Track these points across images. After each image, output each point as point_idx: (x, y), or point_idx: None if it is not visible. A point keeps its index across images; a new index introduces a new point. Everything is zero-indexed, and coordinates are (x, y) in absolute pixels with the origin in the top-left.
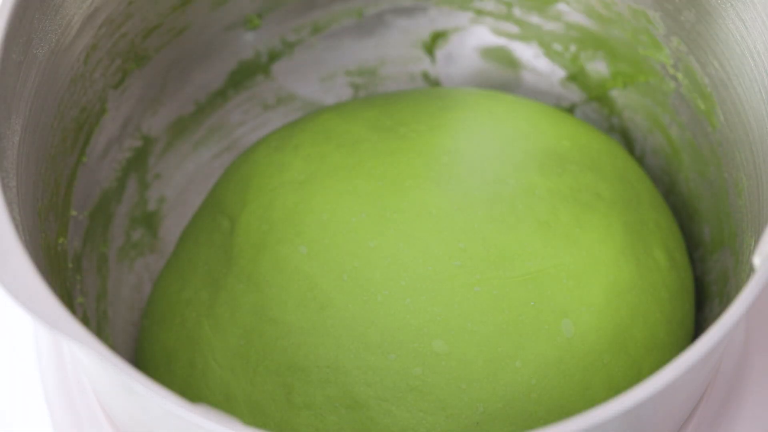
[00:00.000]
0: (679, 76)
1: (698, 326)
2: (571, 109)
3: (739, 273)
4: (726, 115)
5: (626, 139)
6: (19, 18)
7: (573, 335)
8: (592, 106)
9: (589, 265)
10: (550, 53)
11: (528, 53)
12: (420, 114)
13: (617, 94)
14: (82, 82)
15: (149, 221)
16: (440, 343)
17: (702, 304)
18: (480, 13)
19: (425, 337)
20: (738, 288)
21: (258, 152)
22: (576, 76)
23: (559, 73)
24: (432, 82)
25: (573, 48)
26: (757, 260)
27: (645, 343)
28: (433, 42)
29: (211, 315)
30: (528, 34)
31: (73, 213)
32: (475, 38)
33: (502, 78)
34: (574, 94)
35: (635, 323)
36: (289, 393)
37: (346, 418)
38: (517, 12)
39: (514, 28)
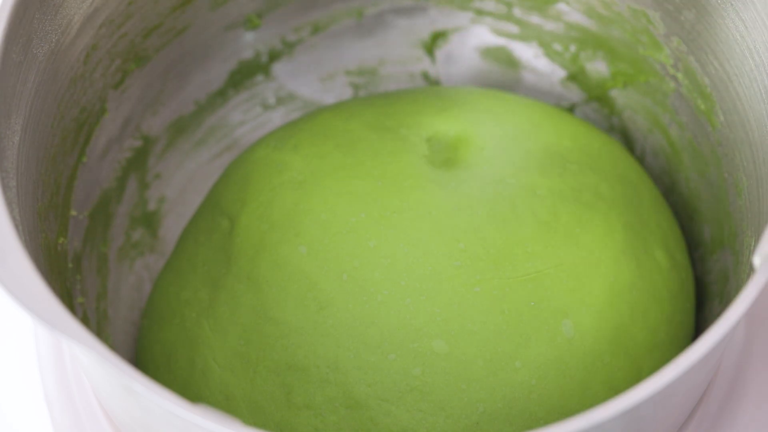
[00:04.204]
0: (679, 76)
1: (698, 326)
2: (571, 109)
3: (739, 273)
4: (726, 115)
5: (626, 139)
6: (19, 18)
7: (573, 335)
8: (592, 106)
9: (589, 265)
10: (550, 53)
11: (528, 53)
12: (420, 114)
13: (617, 94)
14: (82, 82)
15: (149, 221)
16: (440, 343)
17: (702, 304)
18: (480, 13)
19: (425, 337)
20: (738, 288)
21: (257, 152)
22: (576, 76)
23: (559, 73)
24: (432, 82)
25: (573, 48)
26: (757, 260)
27: (645, 343)
28: (433, 42)
29: (210, 315)
30: (528, 34)
31: (73, 213)
32: (475, 38)
33: (502, 78)
34: (574, 94)
35: (635, 323)
36: (288, 393)
37: (346, 418)
38: (517, 12)
39: (514, 28)
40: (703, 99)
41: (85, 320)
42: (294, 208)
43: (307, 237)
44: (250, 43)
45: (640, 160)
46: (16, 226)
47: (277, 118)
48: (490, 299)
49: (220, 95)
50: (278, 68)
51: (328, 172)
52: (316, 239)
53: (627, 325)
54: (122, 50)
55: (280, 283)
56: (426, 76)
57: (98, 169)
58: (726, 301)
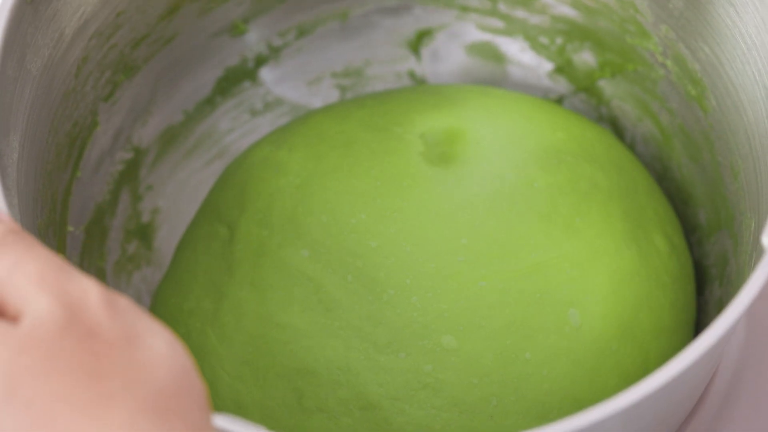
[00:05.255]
0: (669, 63)
1: (700, 310)
2: (559, 101)
3: (739, 255)
4: (718, 99)
5: (616, 128)
6: (13, 33)
7: (580, 324)
8: (580, 97)
9: (591, 254)
10: (536, 46)
11: (514, 47)
12: (412, 112)
13: (605, 84)
14: (74, 95)
15: (144, 233)
16: (449, 339)
17: (701, 287)
18: (465, 9)
19: (434, 333)
20: (739, 270)
21: (251, 158)
22: (563, 68)
23: (546, 65)
24: (418, 81)
25: (559, 40)
26: (765, 240)
27: (651, 328)
28: (419, 40)
29: (216, 324)
30: (513, 28)
31: (70, 228)
32: (460, 35)
33: (489, 73)
34: (562, 86)
35: (640, 309)
36: (300, 397)
37: (359, 420)
38: (502, 7)
39: (499, 24)
40: (693, 85)
41: None
42: (293, 211)
43: (309, 240)
44: (236, 49)
45: (631, 148)
46: None
47: (266, 123)
48: (496, 293)
49: (209, 103)
50: (265, 73)
51: (325, 173)
52: (318, 242)
53: (632, 312)
54: (112, 62)
55: (284, 288)
56: (412, 75)
57: (91, 183)
58: (726, 283)
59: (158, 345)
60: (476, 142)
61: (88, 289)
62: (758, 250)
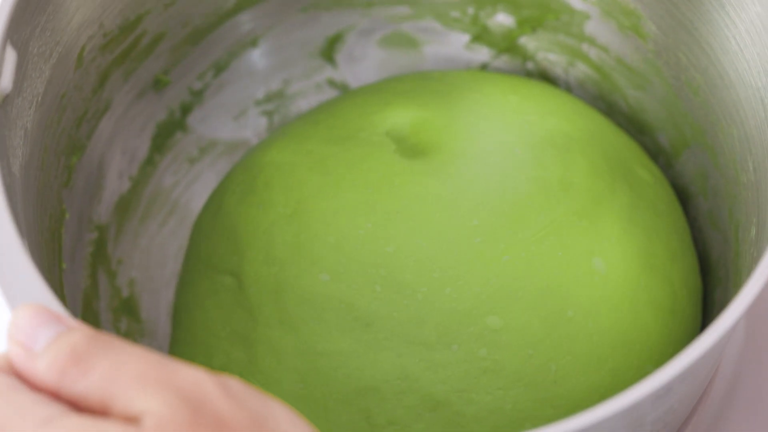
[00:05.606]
0: (593, 1)
1: (691, 226)
2: (483, 69)
3: (723, 165)
4: (658, 22)
5: (547, 80)
6: None
7: (607, 270)
8: (503, 59)
9: (591, 201)
10: (448, 22)
11: (426, 29)
12: (368, 114)
13: (527, 40)
14: (44, 189)
15: (128, 308)
16: (494, 319)
17: (685, 204)
18: (369, 5)
19: (478, 318)
20: (728, 179)
21: (227, 203)
22: (480, 36)
23: (462, 38)
24: (339, 87)
25: (471, 10)
26: None
27: (666, 256)
28: (331, 47)
29: (256, 371)
30: (421, 11)
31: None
32: (370, 31)
33: (407, 60)
34: (482, 53)
35: (652, 239)
36: (368, 416)
37: (432, 421)
38: None
39: (406, 10)
40: (626, 16)
41: None
42: (296, 240)
43: (324, 264)
44: (162, 103)
45: None
46: None
47: (206, 168)
48: (522, 263)
49: (149, 164)
50: (192, 120)
51: (313, 196)
52: (334, 263)
53: (646, 245)
54: (64, 146)
55: (315, 317)
56: (332, 83)
57: (73, 271)
58: (713, 195)
59: (285, 426)
60: (443, 126)
61: (199, 379)
62: (754, 155)
